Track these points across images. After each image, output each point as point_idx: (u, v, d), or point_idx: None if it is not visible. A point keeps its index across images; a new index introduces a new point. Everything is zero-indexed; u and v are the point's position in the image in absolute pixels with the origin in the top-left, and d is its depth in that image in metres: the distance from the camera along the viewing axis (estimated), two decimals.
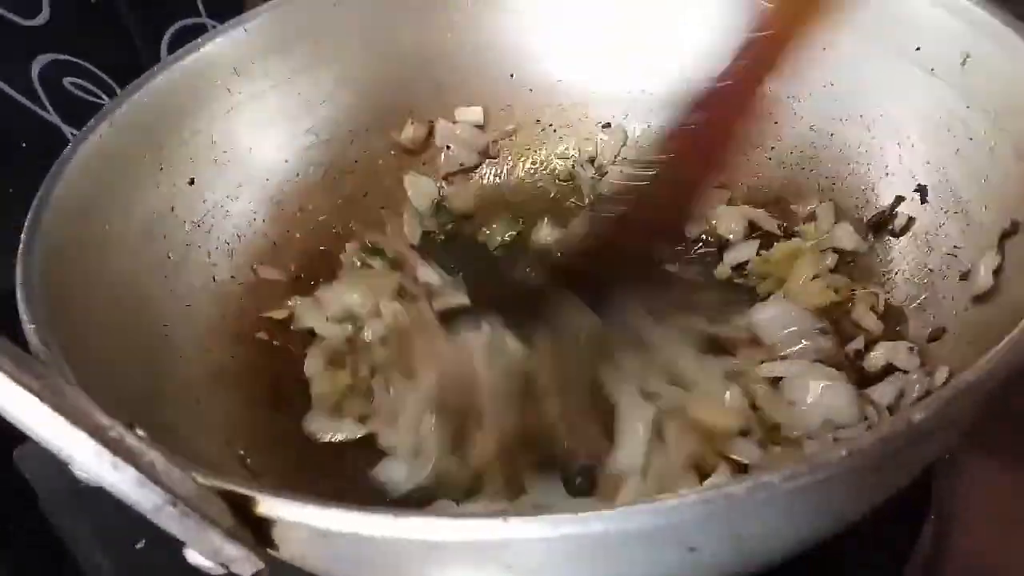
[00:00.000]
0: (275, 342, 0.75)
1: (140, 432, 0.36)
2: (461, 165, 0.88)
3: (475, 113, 0.87)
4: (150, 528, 0.67)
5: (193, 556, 0.39)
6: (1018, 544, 0.64)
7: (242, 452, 0.63)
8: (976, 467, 0.67)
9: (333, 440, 0.68)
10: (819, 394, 0.60)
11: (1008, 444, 0.68)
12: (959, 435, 0.47)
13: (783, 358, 0.65)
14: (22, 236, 0.57)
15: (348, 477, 0.66)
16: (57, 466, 0.72)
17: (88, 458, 0.32)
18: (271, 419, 0.69)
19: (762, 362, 0.65)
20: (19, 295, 0.53)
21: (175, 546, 0.40)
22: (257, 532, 0.38)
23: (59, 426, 0.31)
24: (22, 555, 0.76)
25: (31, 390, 0.31)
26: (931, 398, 0.37)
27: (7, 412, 0.32)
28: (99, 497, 0.70)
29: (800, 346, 0.66)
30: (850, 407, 0.59)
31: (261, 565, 0.39)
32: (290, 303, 0.76)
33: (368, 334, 0.73)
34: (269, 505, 0.37)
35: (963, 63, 0.65)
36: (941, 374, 0.58)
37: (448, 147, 0.87)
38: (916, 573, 0.62)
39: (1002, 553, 0.64)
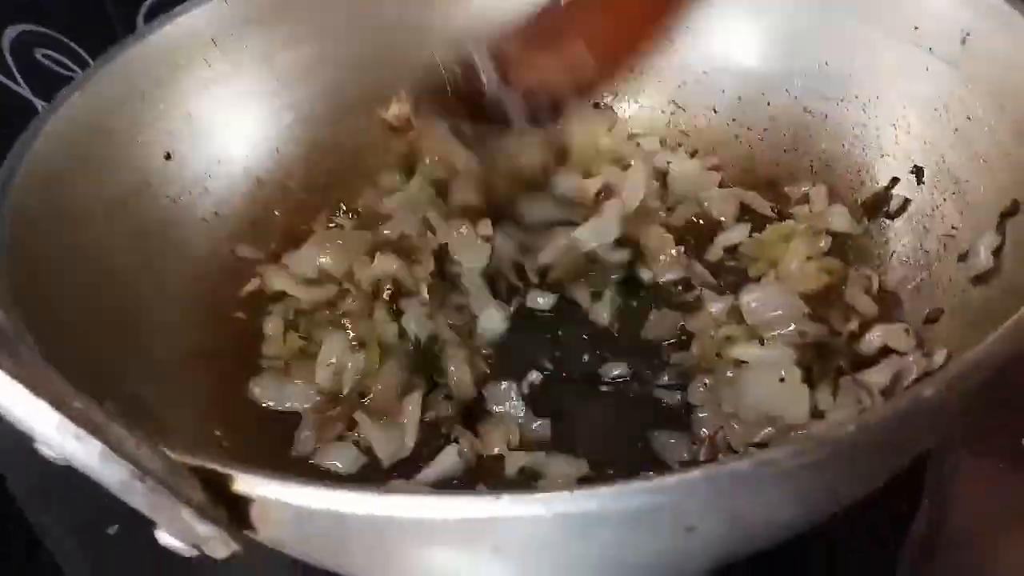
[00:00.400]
0: (253, 322, 0.72)
1: (109, 407, 0.33)
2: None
3: None
4: (123, 513, 0.65)
5: (165, 538, 0.37)
6: (1008, 533, 0.63)
7: (218, 432, 0.61)
8: (967, 455, 0.66)
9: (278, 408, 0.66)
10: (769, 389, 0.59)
11: (999, 432, 0.67)
12: (962, 415, 0.45)
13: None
14: None
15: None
16: (27, 451, 0.71)
17: (49, 430, 0.30)
18: (247, 399, 0.67)
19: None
20: None
21: (149, 532, 0.38)
22: (233, 512, 0.36)
23: (19, 396, 0.29)
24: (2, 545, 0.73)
25: None
26: (940, 373, 0.36)
27: None
28: (70, 482, 0.68)
29: (788, 329, 0.64)
30: (795, 406, 0.58)
31: (236, 547, 0.37)
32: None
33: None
34: (246, 482, 0.35)
35: (963, 42, 0.64)
36: (940, 356, 0.56)
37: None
38: (907, 562, 0.61)
39: (993, 541, 0.63)
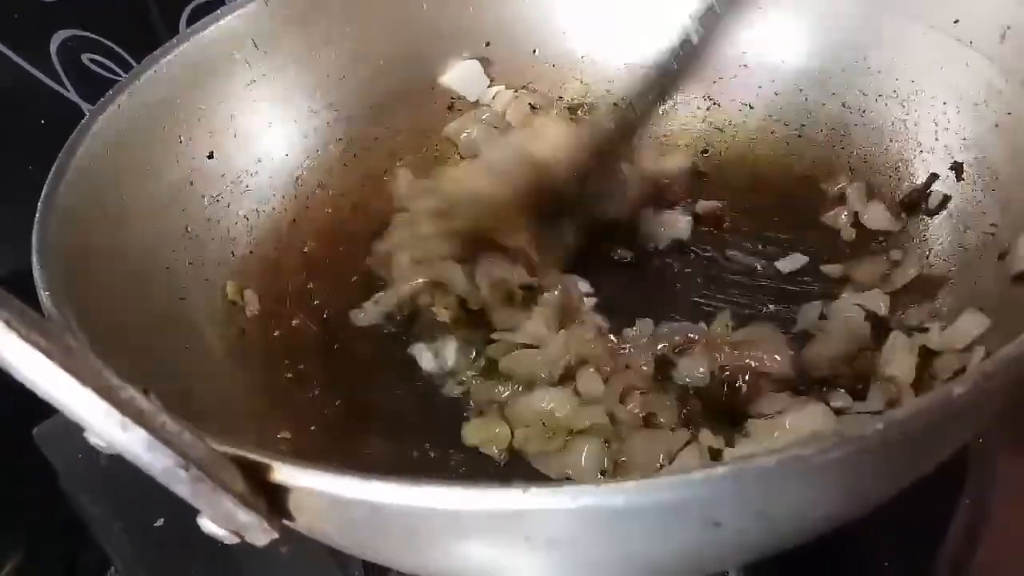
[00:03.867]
0: (294, 320, 0.74)
1: (154, 399, 0.35)
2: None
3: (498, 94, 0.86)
4: (169, 506, 0.68)
5: (207, 525, 0.38)
6: None
7: (257, 424, 0.63)
8: (1008, 455, 0.65)
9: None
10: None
11: None
12: (993, 415, 0.45)
13: None
14: (39, 204, 0.57)
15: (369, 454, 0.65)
16: (78, 445, 0.73)
17: (97, 418, 0.31)
18: (289, 395, 0.68)
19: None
20: (34, 261, 0.52)
21: (194, 524, 0.39)
22: (272, 501, 0.38)
23: (68, 385, 0.31)
24: (41, 533, 0.76)
25: (40, 348, 0.30)
26: (970, 371, 0.35)
27: (16, 370, 0.31)
28: (119, 476, 0.71)
29: None
30: None
31: (275, 534, 0.38)
32: None
33: None
34: (285, 472, 0.36)
35: (1002, 36, 0.63)
36: (978, 353, 0.56)
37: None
38: (946, 563, 0.61)
39: None
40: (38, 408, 0.76)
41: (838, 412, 0.59)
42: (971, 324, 0.58)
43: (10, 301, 0.31)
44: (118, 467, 0.72)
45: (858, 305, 0.64)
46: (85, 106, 0.90)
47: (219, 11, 0.74)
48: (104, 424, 0.31)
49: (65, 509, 0.74)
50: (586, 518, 0.34)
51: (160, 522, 0.69)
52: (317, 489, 0.36)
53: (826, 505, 0.39)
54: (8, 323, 0.30)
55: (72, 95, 0.90)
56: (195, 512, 0.38)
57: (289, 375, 0.69)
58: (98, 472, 0.73)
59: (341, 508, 0.37)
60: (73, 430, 0.76)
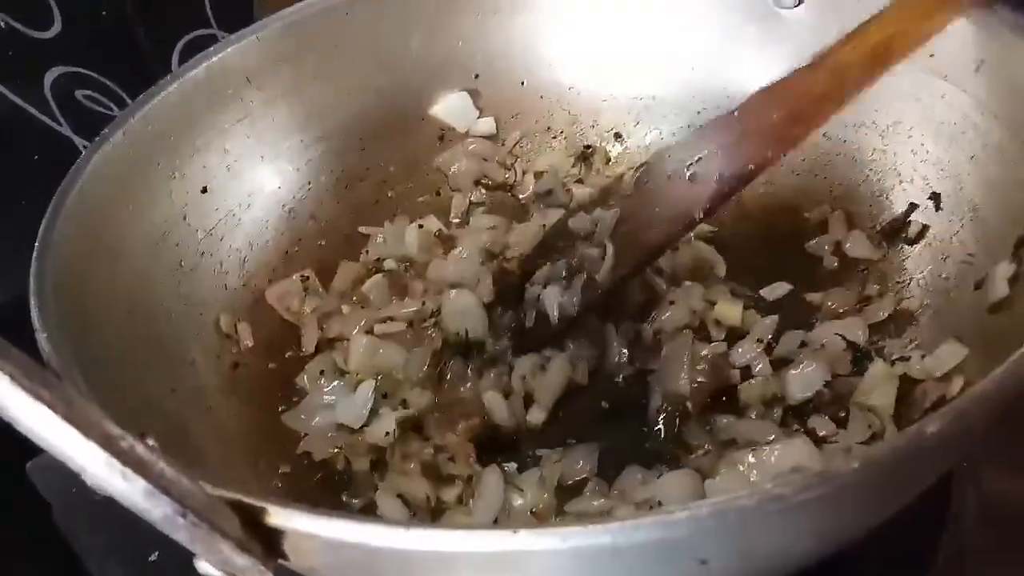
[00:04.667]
0: (287, 351, 0.75)
1: (151, 442, 0.36)
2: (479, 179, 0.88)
3: (487, 124, 0.88)
4: (163, 540, 0.68)
5: (204, 567, 0.39)
6: None
7: (254, 459, 0.63)
8: (993, 476, 0.66)
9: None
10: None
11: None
12: (972, 445, 0.46)
13: None
14: (36, 244, 0.58)
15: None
16: (71, 479, 0.73)
17: (99, 469, 0.32)
18: (284, 427, 0.69)
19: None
20: (32, 303, 0.53)
21: (188, 558, 0.40)
22: (267, 542, 0.38)
23: (71, 437, 0.31)
24: (36, 568, 0.76)
25: (43, 400, 0.31)
26: (945, 409, 0.37)
27: (19, 423, 0.32)
28: (113, 510, 0.71)
29: None
30: None
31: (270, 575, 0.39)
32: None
33: None
34: (279, 516, 0.37)
35: (977, 69, 0.65)
36: (957, 383, 0.57)
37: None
38: None
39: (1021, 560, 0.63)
40: (31, 443, 0.76)
41: (822, 440, 0.60)
42: (950, 354, 0.59)
43: (12, 353, 0.32)
44: (112, 501, 0.73)
45: (838, 334, 0.65)
46: (78, 141, 0.92)
47: (212, 48, 0.76)
48: (105, 474, 0.32)
49: (59, 543, 0.74)
50: (575, 558, 0.35)
51: (154, 556, 0.69)
52: (311, 532, 0.37)
53: (808, 540, 0.40)
54: (13, 377, 0.31)
55: (66, 130, 0.91)
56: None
57: (283, 408, 0.70)
58: (92, 506, 0.73)
59: (335, 550, 0.38)
60: (68, 469, 0.76)
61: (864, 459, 0.34)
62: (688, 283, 0.75)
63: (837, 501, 0.36)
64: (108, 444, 0.32)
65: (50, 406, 0.31)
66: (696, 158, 0.69)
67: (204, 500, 0.34)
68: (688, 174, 0.69)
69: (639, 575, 0.37)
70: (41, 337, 0.51)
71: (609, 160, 0.88)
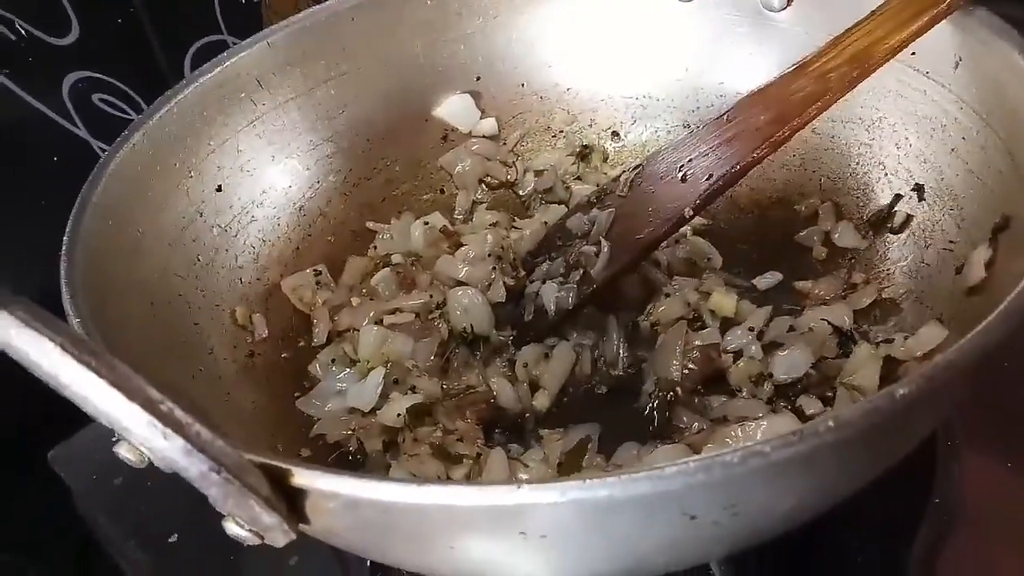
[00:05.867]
0: (300, 341, 0.78)
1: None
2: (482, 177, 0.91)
3: (489, 125, 0.91)
4: (182, 522, 0.71)
5: (231, 527, 0.42)
6: (1016, 531, 0.65)
7: (272, 442, 0.67)
8: (975, 455, 0.69)
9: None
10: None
11: (1007, 433, 0.70)
12: (944, 414, 0.49)
13: None
14: (64, 239, 0.61)
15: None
16: (91, 467, 0.77)
17: (142, 429, 0.35)
18: (296, 411, 0.72)
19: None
20: (64, 292, 0.56)
21: (206, 539, 0.43)
22: (290, 504, 0.42)
23: (116, 400, 0.35)
24: (57, 553, 0.79)
25: (91, 368, 0.34)
26: (914, 374, 0.40)
27: (69, 389, 0.35)
28: (132, 495, 0.74)
29: None
30: None
31: (293, 535, 0.42)
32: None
33: None
34: (304, 476, 0.40)
35: (955, 66, 0.68)
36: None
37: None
38: (917, 560, 0.64)
39: (1000, 539, 0.65)
40: (52, 431, 0.80)
41: (810, 418, 0.63)
42: (931, 335, 0.62)
43: (61, 326, 0.36)
44: (132, 486, 0.76)
45: (824, 319, 0.68)
46: (95, 143, 0.95)
47: (224, 53, 0.79)
48: (148, 434, 0.35)
49: (80, 529, 0.77)
50: (574, 512, 0.39)
51: (174, 538, 0.72)
52: (331, 491, 0.40)
53: (792, 497, 0.43)
54: (63, 346, 0.34)
55: (83, 133, 0.94)
56: (207, 527, 0.42)
57: (297, 394, 0.73)
58: (112, 492, 0.77)
59: (353, 509, 0.41)
60: (88, 452, 0.80)
61: (838, 419, 0.38)
62: (684, 277, 0.78)
63: (816, 460, 0.39)
64: (150, 407, 0.35)
65: (97, 373, 0.34)
66: (688, 159, 0.73)
67: (236, 460, 0.37)
68: (680, 174, 0.73)
69: (634, 529, 0.40)
70: (74, 322, 0.54)
71: (607, 158, 0.92)
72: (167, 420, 0.35)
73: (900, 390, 0.39)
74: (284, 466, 0.40)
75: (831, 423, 0.37)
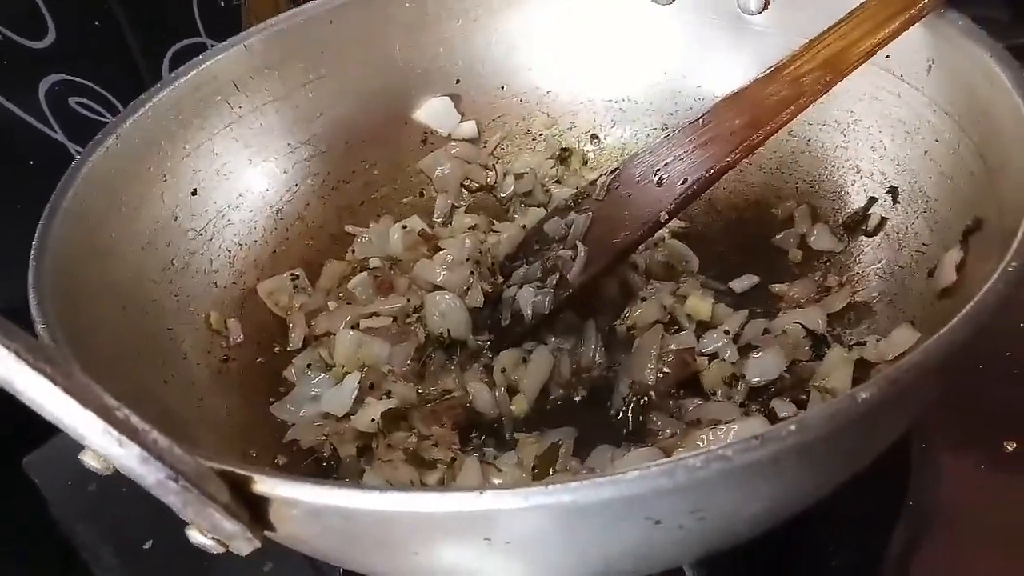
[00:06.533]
0: (275, 346, 0.78)
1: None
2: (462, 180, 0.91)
3: (469, 128, 0.91)
4: (157, 528, 0.71)
5: (195, 536, 0.42)
6: (989, 533, 0.66)
7: (246, 448, 0.66)
8: (950, 459, 0.69)
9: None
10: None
11: (980, 435, 0.70)
12: (912, 416, 0.49)
13: None
14: (33, 242, 0.61)
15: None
16: (67, 473, 0.76)
17: (97, 436, 0.35)
18: (270, 417, 0.72)
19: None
20: (31, 296, 0.56)
21: (180, 546, 0.43)
22: (254, 512, 0.41)
23: (71, 407, 0.34)
24: (33, 560, 0.78)
25: (45, 374, 0.34)
26: (877, 377, 0.40)
27: (23, 395, 0.35)
28: (107, 501, 0.74)
29: None
30: None
31: (258, 543, 0.42)
32: None
33: None
34: (265, 484, 0.39)
35: (928, 70, 0.68)
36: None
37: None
38: (892, 561, 0.64)
39: (974, 541, 0.66)
40: (27, 438, 0.79)
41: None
42: (903, 337, 0.62)
43: (17, 333, 0.35)
44: (106, 492, 0.76)
45: (797, 322, 0.69)
46: (72, 147, 0.94)
47: (202, 56, 0.79)
48: (102, 441, 0.35)
49: (56, 535, 0.76)
50: (538, 517, 0.38)
51: (149, 544, 0.72)
52: (293, 497, 0.40)
53: (758, 501, 0.43)
54: (18, 353, 0.33)
55: (59, 136, 0.93)
56: (182, 534, 0.42)
57: (272, 400, 0.73)
58: (87, 498, 0.76)
59: (317, 516, 0.41)
60: (62, 459, 0.79)
61: (800, 423, 0.38)
62: (661, 282, 0.78)
63: (780, 463, 0.39)
64: (105, 414, 0.35)
65: (51, 379, 0.34)
66: (664, 163, 0.73)
67: (195, 468, 0.37)
68: (656, 178, 0.73)
69: (599, 534, 0.40)
70: (40, 328, 0.53)
71: (587, 161, 0.92)
72: (122, 427, 0.35)
73: (863, 393, 0.39)
74: (244, 473, 0.39)
75: (793, 427, 0.37)
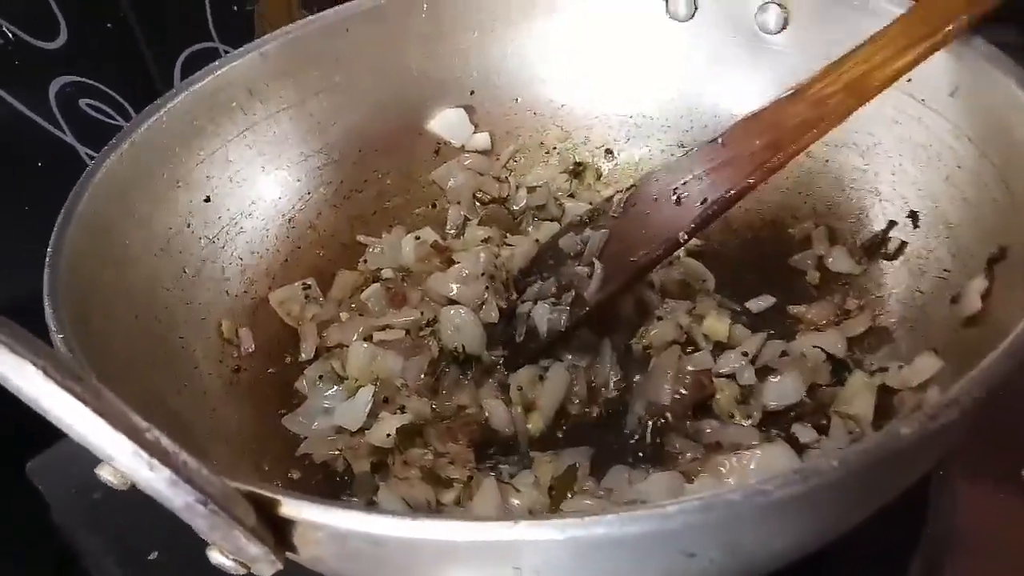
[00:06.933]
0: (287, 356, 0.77)
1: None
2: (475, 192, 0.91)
3: (483, 140, 0.90)
4: (163, 539, 0.69)
5: (215, 556, 0.41)
6: (1011, 562, 0.65)
7: (258, 460, 0.65)
8: (968, 487, 0.69)
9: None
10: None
11: (998, 465, 0.70)
12: (946, 449, 0.48)
13: None
14: (48, 250, 0.60)
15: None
16: (70, 479, 0.75)
17: (126, 458, 0.34)
18: (282, 429, 0.71)
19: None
20: (46, 305, 0.55)
21: (187, 558, 0.42)
22: (277, 534, 0.40)
23: (100, 428, 0.33)
24: (34, 567, 0.77)
25: (74, 394, 0.33)
26: (918, 412, 0.39)
27: (51, 414, 0.34)
28: (111, 509, 0.72)
29: None
30: None
31: (280, 566, 0.41)
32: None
33: None
34: (291, 507, 0.39)
35: (951, 94, 0.68)
36: (932, 394, 0.60)
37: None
38: None
39: (995, 573, 0.65)
40: (30, 443, 0.78)
41: (805, 447, 0.63)
42: (926, 365, 0.62)
43: (44, 350, 0.34)
44: (111, 501, 0.75)
45: (817, 347, 0.68)
46: (82, 149, 0.93)
47: (217, 62, 0.78)
48: (133, 464, 0.34)
49: (58, 543, 0.75)
50: (571, 549, 0.38)
51: (154, 555, 0.70)
52: (320, 522, 0.39)
53: (791, 535, 0.43)
54: (45, 371, 0.33)
55: (69, 138, 0.92)
56: (189, 545, 0.41)
57: (283, 411, 0.72)
58: (91, 506, 0.75)
59: (342, 540, 0.40)
60: (67, 464, 0.78)
61: (842, 459, 0.37)
62: (676, 301, 0.77)
63: (817, 498, 0.39)
64: (135, 435, 0.34)
65: (81, 399, 0.33)
66: (682, 181, 0.72)
67: (223, 490, 0.36)
68: (674, 197, 0.72)
69: (629, 566, 0.39)
70: (57, 338, 0.53)
71: (600, 176, 0.91)
72: (153, 450, 0.34)
73: (904, 429, 0.38)
74: (272, 496, 0.38)
75: (835, 463, 0.37)
